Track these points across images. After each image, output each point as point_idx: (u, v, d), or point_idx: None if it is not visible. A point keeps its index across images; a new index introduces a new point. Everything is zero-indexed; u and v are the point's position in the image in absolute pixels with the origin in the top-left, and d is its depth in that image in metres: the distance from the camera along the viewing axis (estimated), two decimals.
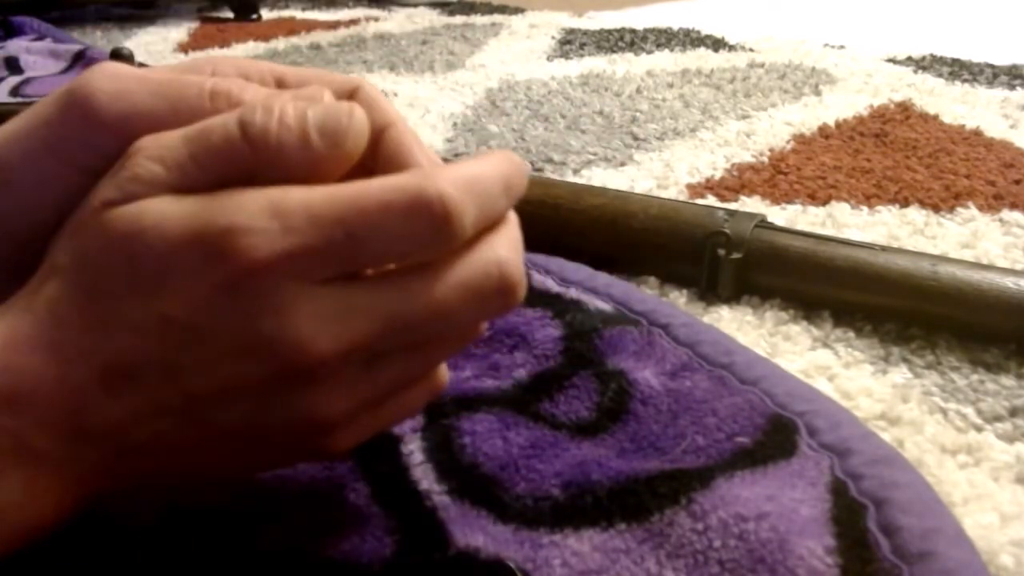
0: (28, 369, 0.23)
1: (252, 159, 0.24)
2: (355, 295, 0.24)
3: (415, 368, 0.27)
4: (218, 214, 0.23)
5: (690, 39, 1.14)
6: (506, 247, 0.25)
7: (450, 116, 0.83)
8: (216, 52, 1.18)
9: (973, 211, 0.58)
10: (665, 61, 1.03)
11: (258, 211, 0.23)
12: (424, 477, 0.32)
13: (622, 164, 0.69)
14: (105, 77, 0.26)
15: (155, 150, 0.25)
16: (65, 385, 0.24)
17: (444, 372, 0.29)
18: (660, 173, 0.66)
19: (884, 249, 0.45)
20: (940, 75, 0.93)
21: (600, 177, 0.66)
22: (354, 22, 1.38)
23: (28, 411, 0.23)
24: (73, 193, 0.26)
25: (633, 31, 1.20)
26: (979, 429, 0.37)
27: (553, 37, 1.18)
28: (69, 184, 0.26)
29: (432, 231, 0.23)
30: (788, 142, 0.72)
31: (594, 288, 0.45)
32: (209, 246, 0.23)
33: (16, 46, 1.12)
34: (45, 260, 0.25)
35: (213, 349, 0.23)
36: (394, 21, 1.38)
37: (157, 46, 1.25)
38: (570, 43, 1.14)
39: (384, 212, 0.23)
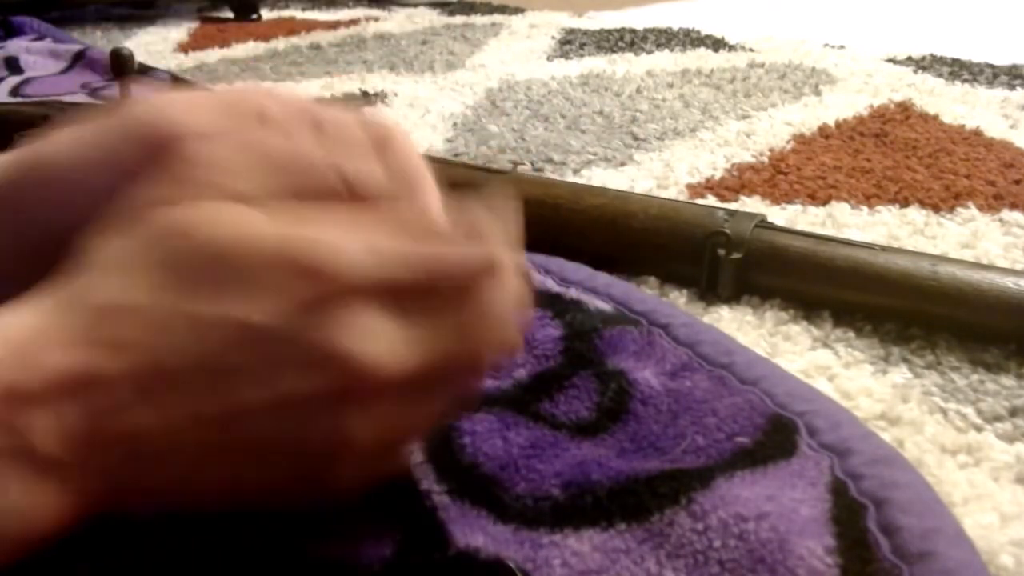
0: (51, 365, 0.23)
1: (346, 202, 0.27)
2: (421, 327, 0.26)
3: (447, 403, 0.29)
4: (316, 235, 0.25)
5: (690, 39, 1.14)
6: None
7: (450, 116, 0.83)
8: (216, 52, 1.18)
9: (973, 211, 0.58)
10: (665, 61, 1.03)
11: (355, 241, 0.25)
12: (424, 477, 0.32)
13: (622, 164, 0.69)
14: (179, 107, 0.28)
15: (233, 163, 0.26)
16: (94, 383, 0.23)
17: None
18: (660, 173, 0.66)
19: (884, 249, 0.45)
20: (940, 75, 0.93)
21: (600, 177, 0.66)
22: (354, 22, 1.38)
23: (41, 409, 0.23)
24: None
25: (633, 31, 1.20)
26: (979, 429, 0.37)
27: (553, 37, 1.18)
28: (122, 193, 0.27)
29: (484, 288, 0.27)
30: (788, 142, 0.72)
31: (594, 288, 0.45)
32: (305, 262, 0.24)
33: (16, 46, 1.12)
34: (76, 257, 0.25)
35: (280, 359, 0.24)
36: (394, 21, 1.38)
37: (157, 46, 1.25)
38: (570, 43, 1.14)
39: (459, 266, 0.27)
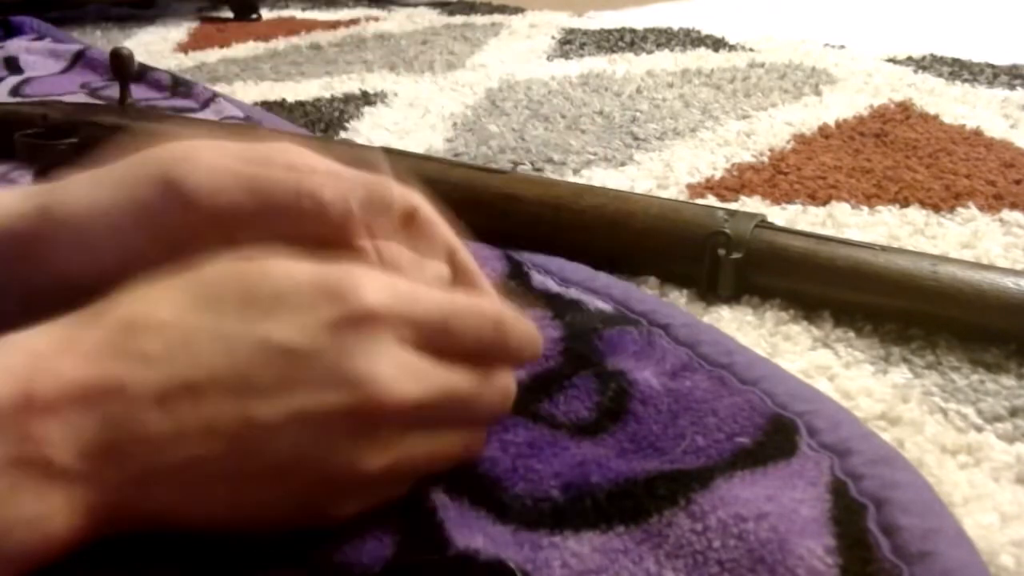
0: (69, 374, 0.24)
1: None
2: (435, 364, 0.27)
3: (455, 441, 0.30)
4: (344, 267, 0.27)
5: (690, 39, 1.14)
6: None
7: (450, 116, 0.83)
8: (216, 52, 1.18)
9: (973, 211, 0.58)
10: (665, 61, 1.03)
11: (377, 276, 0.27)
12: (424, 477, 0.32)
13: (622, 164, 0.69)
14: (203, 171, 0.29)
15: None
16: (111, 392, 0.24)
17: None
18: (660, 173, 0.66)
19: (884, 249, 0.45)
20: (940, 75, 0.93)
21: (600, 177, 0.66)
22: (354, 22, 1.38)
23: (58, 419, 0.23)
24: (151, 260, 0.28)
25: (633, 31, 1.20)
26: (979, 429, 0.37)
27: (553, 37, 1.18)
28: (153, 256, 0.28)
29: (497, 341, 0.29)
30: (788, 142, 0.72)
31: (594, 288, 0.45)
32: (333, 287, 0.26)
33: (16, 46, 1.12)
34: (115, 292, 0.26)
35: (297, 375, 0.25)
36: (394, 21, 1.38)
37: (157, 46, 1.25)
38: (570, 43, 1.14)
39: (474, 316, 0.29)
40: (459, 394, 0.28)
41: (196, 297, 0.26)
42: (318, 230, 0.30)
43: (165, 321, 0.25)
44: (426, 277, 0.31)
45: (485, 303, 0.30)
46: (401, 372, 0.26)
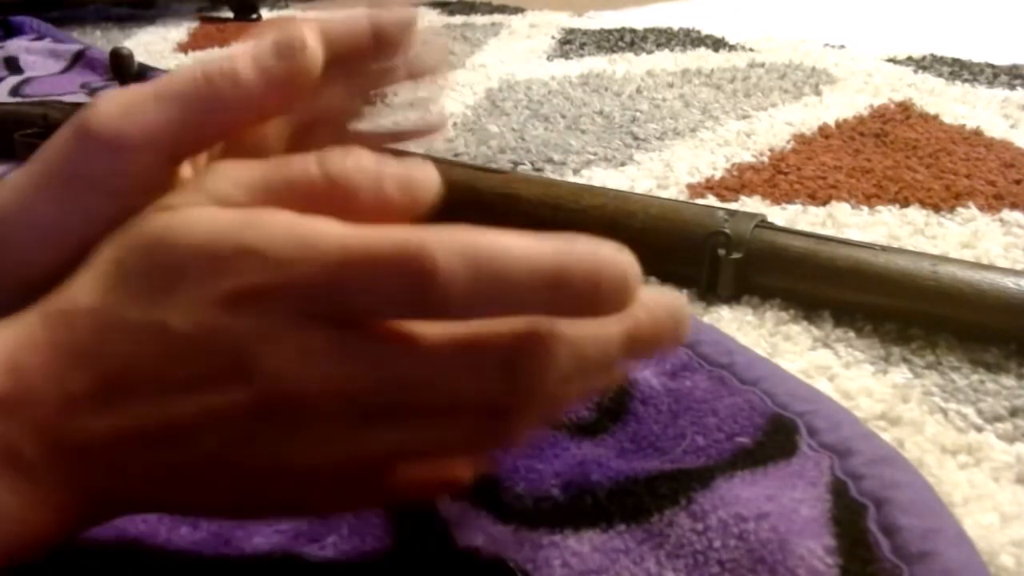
0: (29, 371, 0.23)
1: (326, 193, 0.24)
2: (348, 342, 0.23)
3: (422, 440, 0.24)
4: (241, 228, 0.23)
5: (690, 39, 1.14)
6: (527, 345, 0.23)
7: (450, 116, 0.83)
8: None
9: (973, 211, 0.58)
10: (665, 61, 1.03)
11: (273, 230, 0.23)
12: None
13: (622, 164, 0.69)
14: (109, 100, 0.26)
15: (231, 169, 0.25)
16: (60, 391, 0.23)
17: (467, 466, 0.28)
18: (660, 173, 0.66)
19: (884, 249, 0.45)
20: (940, 75, 0.93)
21: (600, 177, 0.66)
22: None
23: (21, 415, 0.23)
24: (103, 220, 0.25)
25: (633, 31, 1.20)
26: (979, 429, 0.37)
27: (553, 37, 1.18)
28: (97, 212, 0.25)
29: (412, 289, 0.22)
30: (788, 142, 0.72)
31: None
32: (226, 251, 0.22)
33: (16, 46, 1.12)
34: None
35: (201, 369, 0.22)
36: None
37: (157, 46, 1.25)
38: (570, 43, 1.14)
39: (372, 261, 0.22)
40: (390, 371, 0.23)
41: (107, 276, 0.24)
42: (236, 117, 0.26)
43: (92, 311, 0.23)
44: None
45: (395, 241, 0.22)
46: (306, 355, 0.22)
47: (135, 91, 0.26)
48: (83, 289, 0.24)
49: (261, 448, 0.23)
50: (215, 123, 0.26)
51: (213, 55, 1.14)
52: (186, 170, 0.28)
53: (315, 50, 0.26)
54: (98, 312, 0.23)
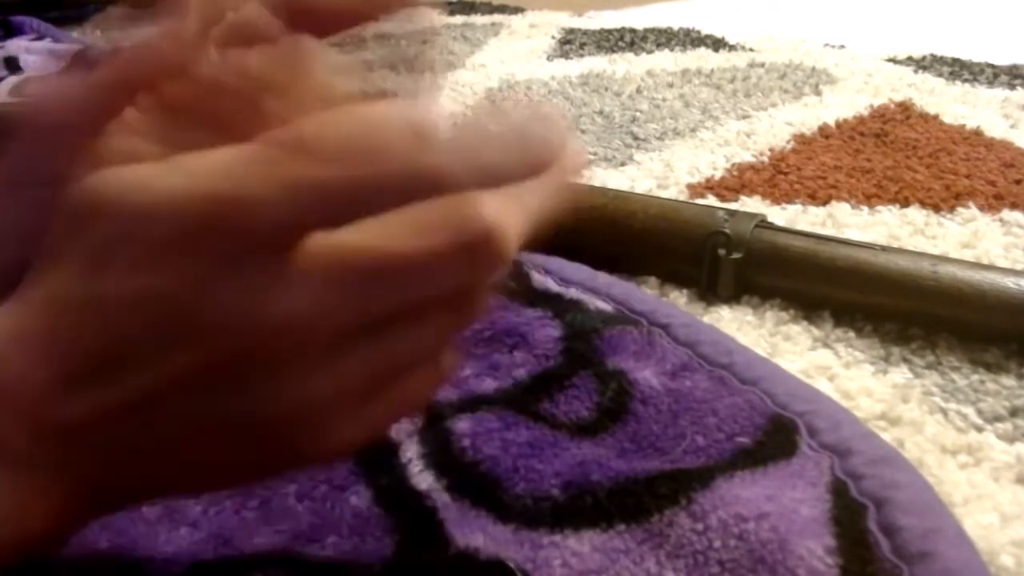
0: (10, 360, 0.23)
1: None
2: (286, 269, 0.22)
3: (413, 344, 0.24)
4: (143, 184, 0.22)
5: (690, 39, 1.14)
6: (499, 207, 0.24)
7: (450, 116, 0.82)
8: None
9: (973, 211, 0.58)
10: (665, 61, 1.03)
11: (176, 186, 0.21)
12: (424, 477, 0.32)
13: (622, 164, 0.69)
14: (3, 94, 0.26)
15: (136, 123, 0.25)
16: (31, 378, 0.23)
17: (448, 358, 0.27)
18: (660, 173, 0.66)
19: (884, 249, 0.45)
20: (940, 75, 0.93)
21: (600, 177, 0.66)
22: None
23: (2, 406, 0.23)
24: (43, 211, 0.24)
25: (633, 31, 1.20)
26: (979, 429, 0.37)
27: (553, 37, 1.18)
28: (31, 205, 0.25)
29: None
30: (788, 142, 0.72)
31: (594, 288, 0.45)
32: (131, 217, 0.21)
33: (16, 46, 1.12)
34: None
35: (150, 334, 0.22)
36: (394, 21, 1.38)
37: None
38: (570, 43, 1.14)
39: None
40: (369, 289, 0.22)
41: (51, 258, 0.23)
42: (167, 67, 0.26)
43: (60, 294, 0.23)
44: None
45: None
46: (240, 298, 0.21)
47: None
48: (38, 275, 0.23)
49: (240, 398, 0.23)
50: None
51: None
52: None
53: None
54: (50, 296, 0.23)
